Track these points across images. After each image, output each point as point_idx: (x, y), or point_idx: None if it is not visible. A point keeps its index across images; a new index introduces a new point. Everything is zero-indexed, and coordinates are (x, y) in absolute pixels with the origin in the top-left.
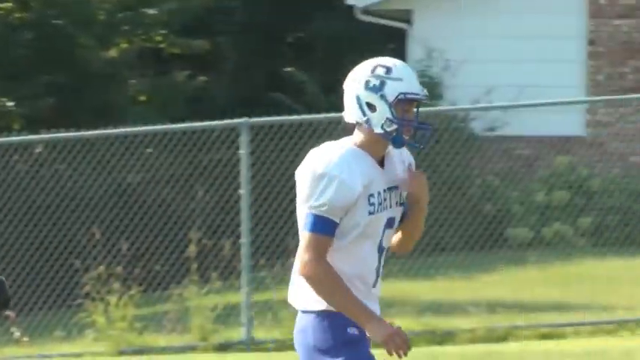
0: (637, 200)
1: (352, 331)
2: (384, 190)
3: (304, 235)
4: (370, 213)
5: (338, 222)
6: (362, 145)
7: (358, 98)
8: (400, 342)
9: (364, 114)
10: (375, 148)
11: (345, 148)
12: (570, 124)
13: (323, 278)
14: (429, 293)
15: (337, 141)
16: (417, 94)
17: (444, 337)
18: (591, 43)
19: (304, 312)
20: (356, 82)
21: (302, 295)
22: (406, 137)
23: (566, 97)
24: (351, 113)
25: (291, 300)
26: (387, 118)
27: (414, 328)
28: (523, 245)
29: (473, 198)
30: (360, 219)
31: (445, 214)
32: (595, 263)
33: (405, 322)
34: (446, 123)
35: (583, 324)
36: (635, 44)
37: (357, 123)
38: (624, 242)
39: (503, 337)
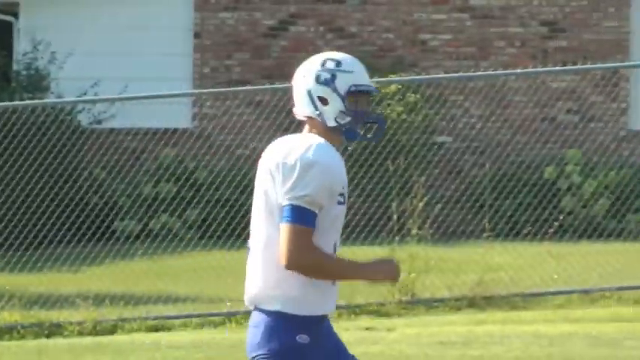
0: (243, 193)
1: (301, 339)
2: (345, 185)
3: (286, 227)
4: (339, 203)
5: (317, 213)
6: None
7: (309, 93)
8: (398, 272)
9: (316, 108)
10: (331, 142)
11: (320, 139)
12: (177, 116)
13: (312, 265)
14: (37, 286)
15: (305, 134)
16: (368, 87)
17: (52, 330)
18: (197, 35)
19: (256, 309)
20: (306, 77)
21: (256, 292)
22: (359, 131)
23: (173, 90)
24: (302, 108)
25: (246, 295)
26: (340, 111)
27: (22, 321)
28: (131, 238)
29: (80, 191)
30: (333, 210)
31: (52, 207)
32: (203, 255)
33: (12, 316)
34: (53, 116)
35: (191, 316)
36: (241, 37)
37: (309, 118)
38: (231, 235)
39: (111, 329)
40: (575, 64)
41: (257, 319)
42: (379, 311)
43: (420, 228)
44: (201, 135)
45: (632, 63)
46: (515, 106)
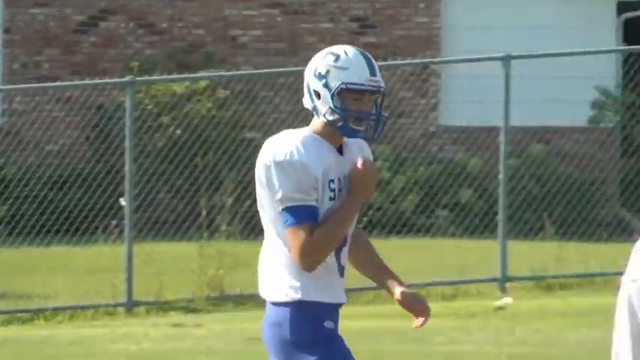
0: (52, 189)
1: (329, 325)
2: (344, 177)
3: (287, 232)
4: (331, 199)
5: (315, 204)
6: (318, 133)
7: (308, 85)
8: (368, 169)
9: (312, 101)
10: (331, 135)
11: (300, 135)
12: None
13: (321, 254)
14: None
15: (294, 130)
16: (361, 85)
17: None
18: (7, 31)
19: (276, 304)
20: (309, 69)
21: (273, 286)
22: (358, 128)
23: None
24: (305, 100)
25: (261, 291)
26: (329, 107)
27: None
28: None
29: None
30: (321, 205)
31: None
32: (11, 252)
33: None
34: None
35: None
36: (51, 33)
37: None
38: (40, 231)
39: None
40: (385, 60)
41: (279, 316)
42: (187, 307)
43: (229, 224)
44: (10, 131)
45: (442, 59)
46: None
